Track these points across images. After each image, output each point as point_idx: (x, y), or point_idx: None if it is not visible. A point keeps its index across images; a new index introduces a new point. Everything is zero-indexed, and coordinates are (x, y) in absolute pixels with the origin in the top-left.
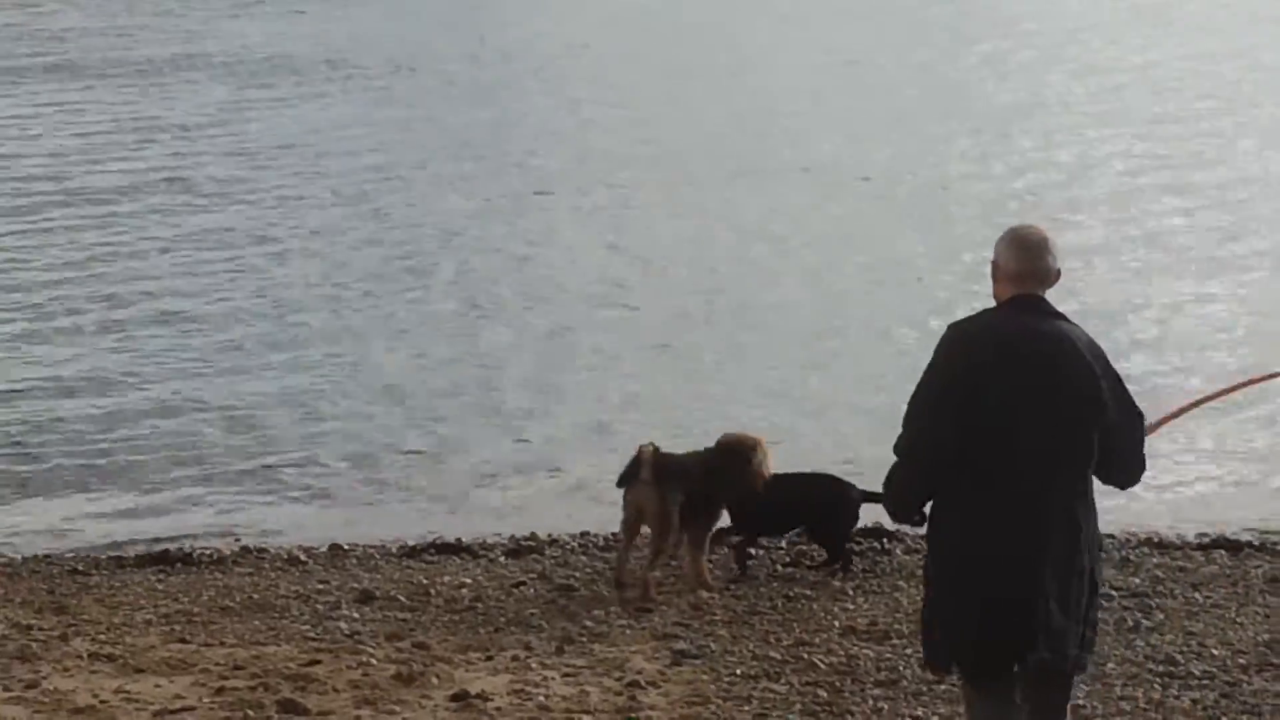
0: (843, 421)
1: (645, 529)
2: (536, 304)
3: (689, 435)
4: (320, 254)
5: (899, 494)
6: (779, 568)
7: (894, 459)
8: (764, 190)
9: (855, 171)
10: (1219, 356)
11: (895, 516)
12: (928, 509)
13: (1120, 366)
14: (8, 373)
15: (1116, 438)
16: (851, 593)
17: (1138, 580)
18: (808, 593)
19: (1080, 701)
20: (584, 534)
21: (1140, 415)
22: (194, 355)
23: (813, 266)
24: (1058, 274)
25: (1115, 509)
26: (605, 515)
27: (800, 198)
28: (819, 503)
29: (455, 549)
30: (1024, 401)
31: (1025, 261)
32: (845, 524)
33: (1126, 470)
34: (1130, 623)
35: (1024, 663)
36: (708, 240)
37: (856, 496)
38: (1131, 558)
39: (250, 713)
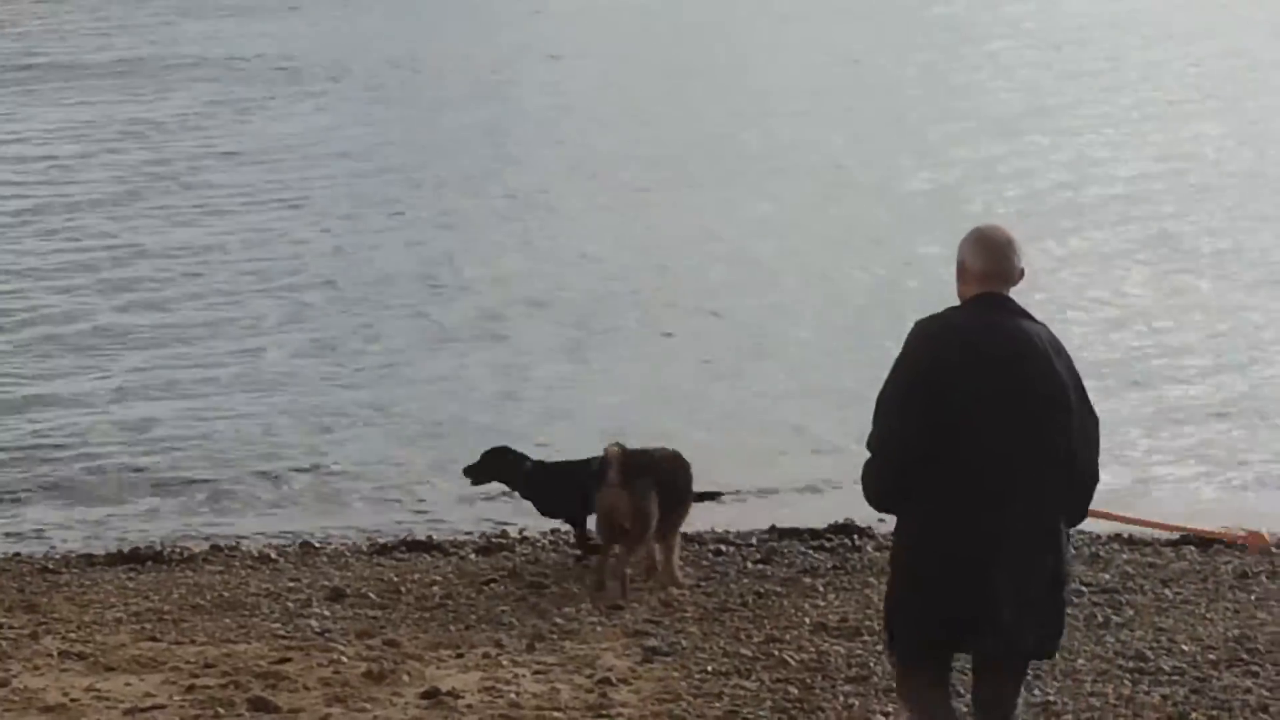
0: (859, 419)
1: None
2: (542, 305)
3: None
4: (322, 255)
5: (874, 489)
6: (749, 564)
7: (868, 454)
8: (766, 190)
9: (858, 171)
10: (1240, 355)
11: (876, 509)
12: None
13: (1137, 368)
14: None
15: (1078, 440)
16: (822, 589)
17: (1108, 576)
18: (778, 589)
19: (1051, 698)
20: (554, 531)
21: (1096, 420)
22: (185, 358)
23: (817, 266)
24: (1021, 273)
25: None
26: None
27: (803, 197)
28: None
29: (426, 546)
30: (988, 399)
31: (991, 261)
32: None
33: (1084, 471)
34: (1100, 619)
35: (974, 651)
36: (712, 240)
37: None
38: (1101, 554)
39: (221, 710)
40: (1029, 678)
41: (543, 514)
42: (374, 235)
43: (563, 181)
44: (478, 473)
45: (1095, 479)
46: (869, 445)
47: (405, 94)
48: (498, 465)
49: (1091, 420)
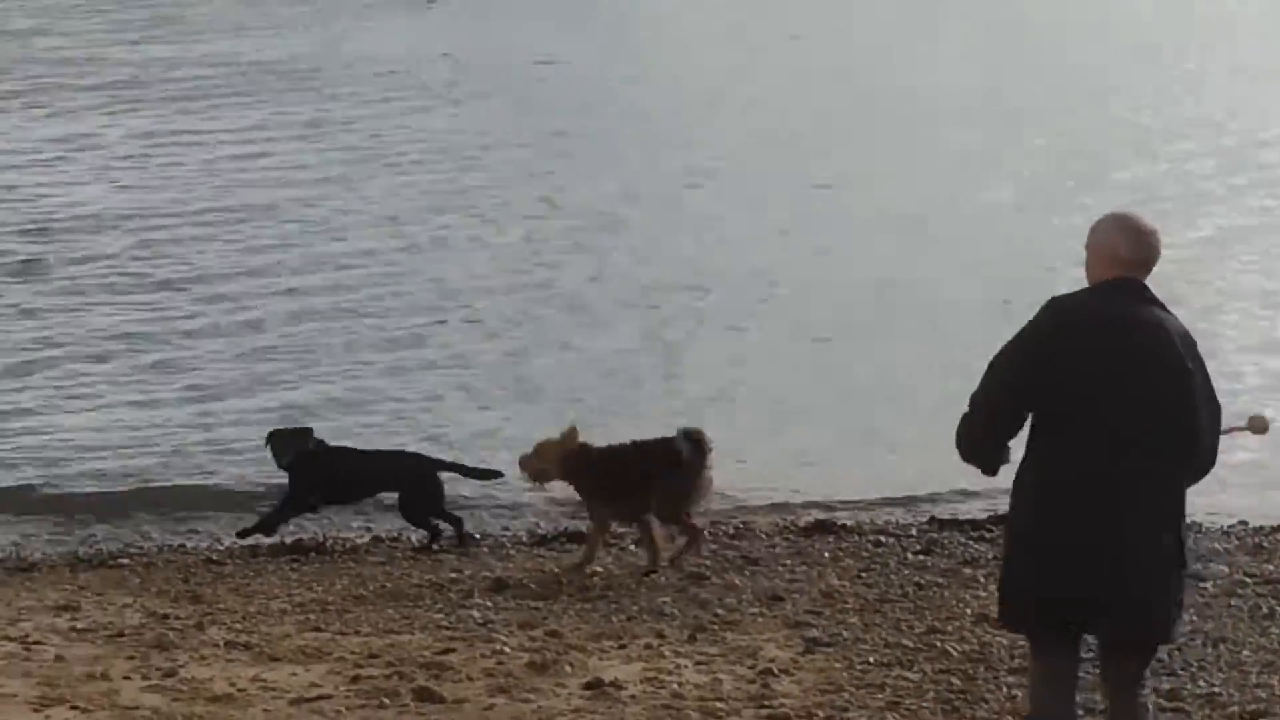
0: None
1: None
2: (704, 292)
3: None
4: (488, 248)
5: (967, 444)
6: (910, 555)
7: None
8: (916, 182)
9: (1008, 160)
10: None
11: (969, 462)
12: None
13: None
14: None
15: (1203, 426)
16: (983, 580)
17: (1272, 567)
18: (939, 580)
19: (1216, 689)
20: (714, 523)
21: (1219, 409)
22: (350, 350)
23: (974, 256)
24: (1155, 263)
25: (1248, 497)
26: (734, 504)
27: (954, 187)
28: (394, 477)
29: (584, 537)
30: (1116, 381)
31: (1139, 248)
32: (427, 496)
33: (1204, 457)
34: (1265, 610)
35: (1092, 628)
36: (870, 231)
37: (431, 470)
38: (1265, 544)
39: (386, 701)
40: (1158, 661)
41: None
42: (538, 232)
43: (720, 171)
44: (278, 457)
45: (1213, 465)
46: (972, 400)
47: (567, 90)
48: (287, 445)
49: (1214, 409)
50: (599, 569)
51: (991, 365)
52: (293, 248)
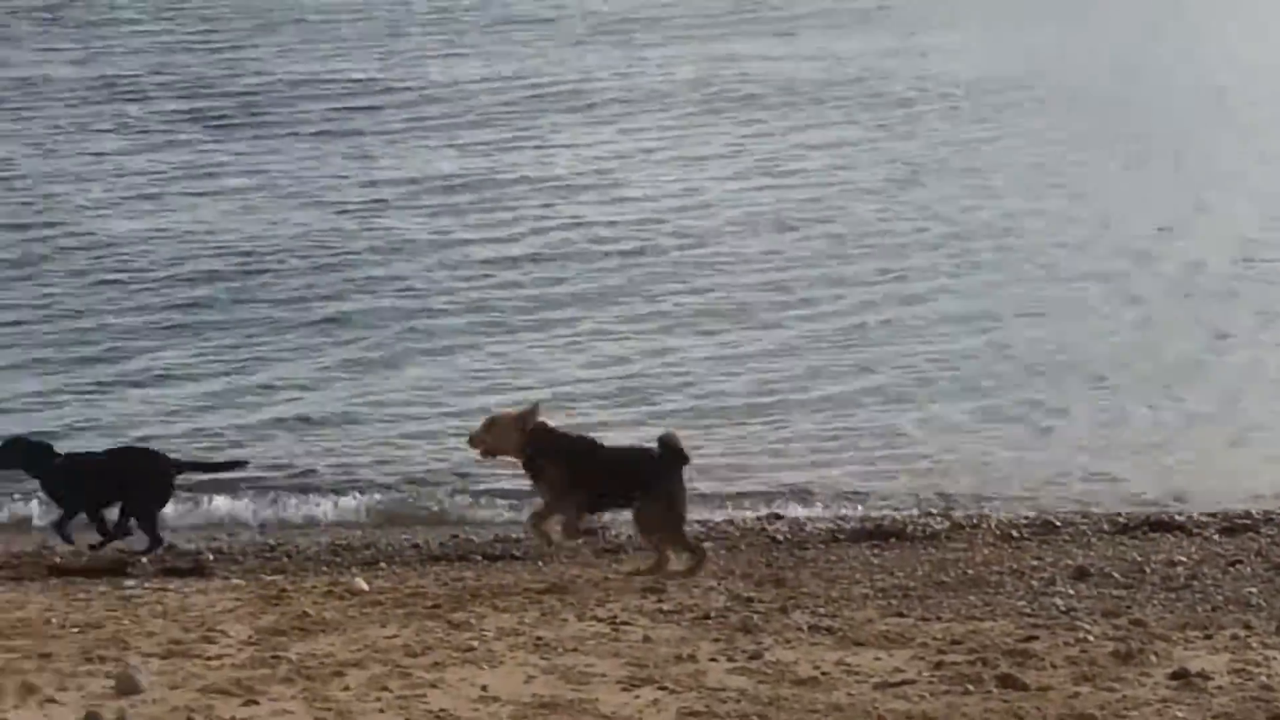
0: None
1: None
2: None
3: None
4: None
5: None
6: None
7: None
8: None
9: None
10: None
11: None
12: None
13: None
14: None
15: None
16: None
17: None
18: None
19: None
20: None
21: None
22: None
23: None
24: None
25: None
26: None
27: None
28: (130, 478)
29: (1168, 526)
30: None
31: None
32: (157, 498)
33: None
34: None
35: None
36: None
37: (168, 469)
38: None
39: (970, 687)
40: None
41: (63, 506)
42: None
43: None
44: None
45: None
46: None
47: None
48: (17, 455)
49: None
50: (1183, 558)
51: None
52: (815, 262)
